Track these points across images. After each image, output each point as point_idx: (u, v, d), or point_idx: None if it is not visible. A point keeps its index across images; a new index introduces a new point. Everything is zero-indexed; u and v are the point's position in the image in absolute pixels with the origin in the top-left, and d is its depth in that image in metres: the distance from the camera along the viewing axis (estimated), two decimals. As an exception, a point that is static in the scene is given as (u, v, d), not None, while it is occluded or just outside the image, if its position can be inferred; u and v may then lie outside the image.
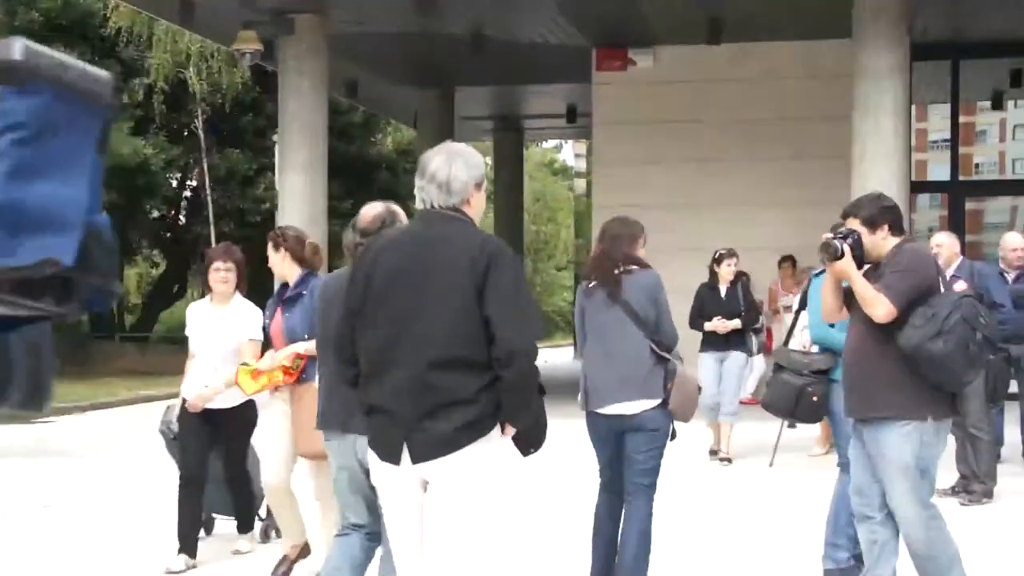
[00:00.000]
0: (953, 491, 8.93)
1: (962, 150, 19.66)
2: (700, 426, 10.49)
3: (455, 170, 4.11)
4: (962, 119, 18.92)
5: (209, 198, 24.31)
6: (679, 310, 7.17)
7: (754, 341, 11.18)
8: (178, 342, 21.34)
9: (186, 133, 26.02)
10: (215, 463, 7.20)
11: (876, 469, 5.44)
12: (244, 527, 7.49)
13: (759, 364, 13.98)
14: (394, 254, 4.14)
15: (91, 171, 1.95)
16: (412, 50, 18.48)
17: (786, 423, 9.36)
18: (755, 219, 16.34)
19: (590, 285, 6.15)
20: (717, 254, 10.69)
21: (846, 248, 5.32)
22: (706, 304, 10.65)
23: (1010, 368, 8.96)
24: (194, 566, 6.93)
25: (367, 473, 4.53)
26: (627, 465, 6.01)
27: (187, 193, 29.07)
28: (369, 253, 4.26)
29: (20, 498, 9.43)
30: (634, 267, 6.13)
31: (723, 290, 10.57)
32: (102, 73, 1.97)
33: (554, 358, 22.51)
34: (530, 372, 3.98)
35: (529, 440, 4.17)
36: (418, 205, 4.18)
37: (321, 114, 15.68)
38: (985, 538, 7.46)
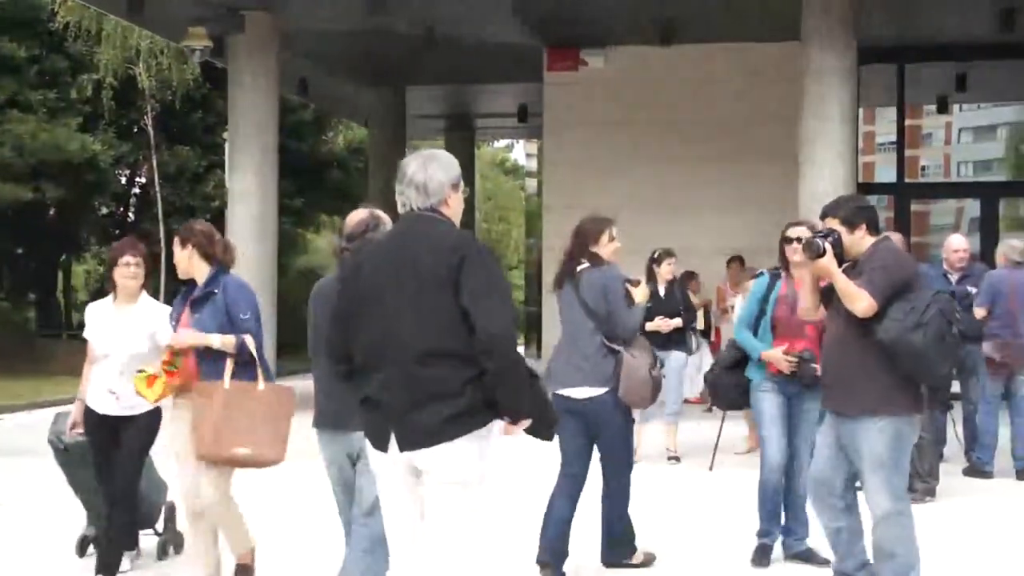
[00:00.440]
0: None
1: (908, 153, 19.88)
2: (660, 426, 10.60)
3: (431, 172, 4.35)
4: (908, 122, 19.15)
5: (158, 195, 24.14)
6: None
7: (692, 340, 11.33)
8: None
9: (135, 130, 25.82)
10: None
11: (850, 460, 5.70)
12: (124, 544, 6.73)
13: (707, 363, 14.09)
14: (378, 256, 4.36)
15: None
16: (364, 48, 18.46)
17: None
18: (703, 220, 16.46)
19: (561, 281, 6.77)
20: (656, 254, 10.69)
21: (828, 247, 5.56)
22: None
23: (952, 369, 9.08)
24: None
25: (354, 465, 5.10)
26: (599, 452, 6.68)
27: (136, 190, 28.87)
28: (356, 257, 4.53)
29: (-35, 497, 9.34)
30: (592, 264, 6.64)
31: (662, 290, 10.62)
32: None
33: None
34: (513, 358, 4.14)
35: (540, 425, 4.30)
36: (399, 209, 4.38)
37: (272, 112, 15.62)
38: (927, 536, 7.56)
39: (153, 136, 24.10)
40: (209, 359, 6.02)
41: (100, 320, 6.63)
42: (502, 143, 47.81)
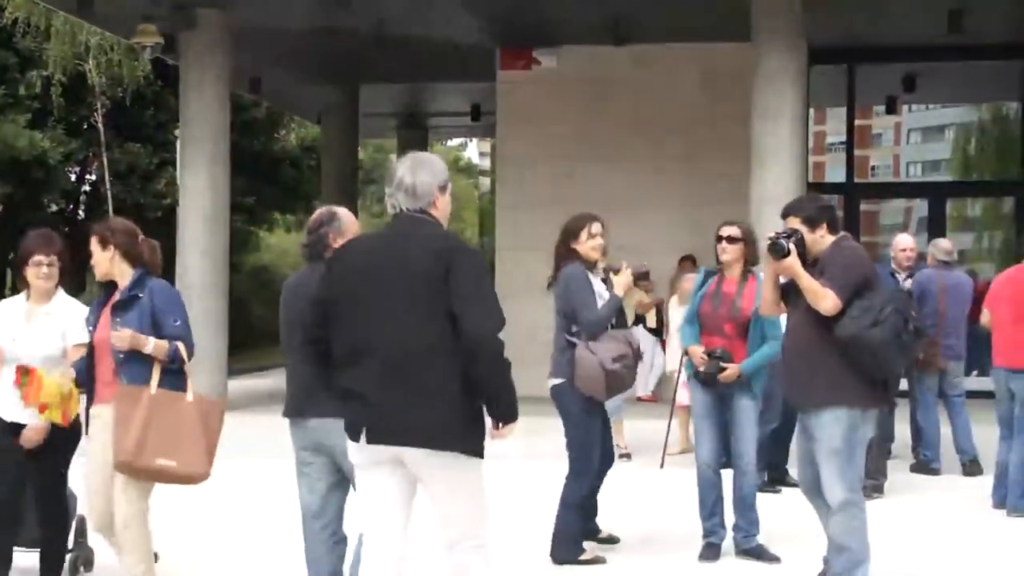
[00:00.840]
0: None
1: (858, 153, 20.06)
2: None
3: (420, 175, 4.48)
4: (858, 123, 19.31)
5: (109, 193, 23.95)
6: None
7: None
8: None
9: (85, 127, 25.59)
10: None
11: (815, 451, 5.89)
12: (52, 567, 6.19)
13: (659, 362, 14.16)
14: (367, 254, 4.51)
15: None
16: (316, 46, 18.38)
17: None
18: (655, 219, 16.52)
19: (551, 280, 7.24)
20: None
21: (791, 247, 5.75)
22: None
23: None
24: None
25: (328, 455, 5.24)
26: None
27: (86, 188, 28.61)
28: (345, 252, 4.67)
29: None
30: (569, 261, 7.06)
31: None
32: None
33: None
34: (498, 361, 4.30)
35: (501, 415, 4.40)
36: (389, 210, 4.54)
37: (223, 109, 15.53)
38: (875, 533, 7.65)
39: (103, 133, 23.90)
40: (132, 366, 5.62)
41: (10, 321, 6.04)
42: (455, 142, 47.76)
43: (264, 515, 8.39)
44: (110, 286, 5.88)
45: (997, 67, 18.81)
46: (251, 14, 15.75)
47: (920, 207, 22.30)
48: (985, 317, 8.96)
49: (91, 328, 5.84)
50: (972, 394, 10.59)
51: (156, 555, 6.10)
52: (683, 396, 10.40)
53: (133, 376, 5.59)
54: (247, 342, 25.81)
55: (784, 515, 7.53)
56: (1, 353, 5.97)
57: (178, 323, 5.72)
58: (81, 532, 6.66)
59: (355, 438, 4.40)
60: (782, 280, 6.03)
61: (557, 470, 7.12)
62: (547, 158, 16.98)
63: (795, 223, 5.91)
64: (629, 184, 16.70)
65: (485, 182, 41.63)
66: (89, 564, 6.65)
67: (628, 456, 10.74)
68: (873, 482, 8.92)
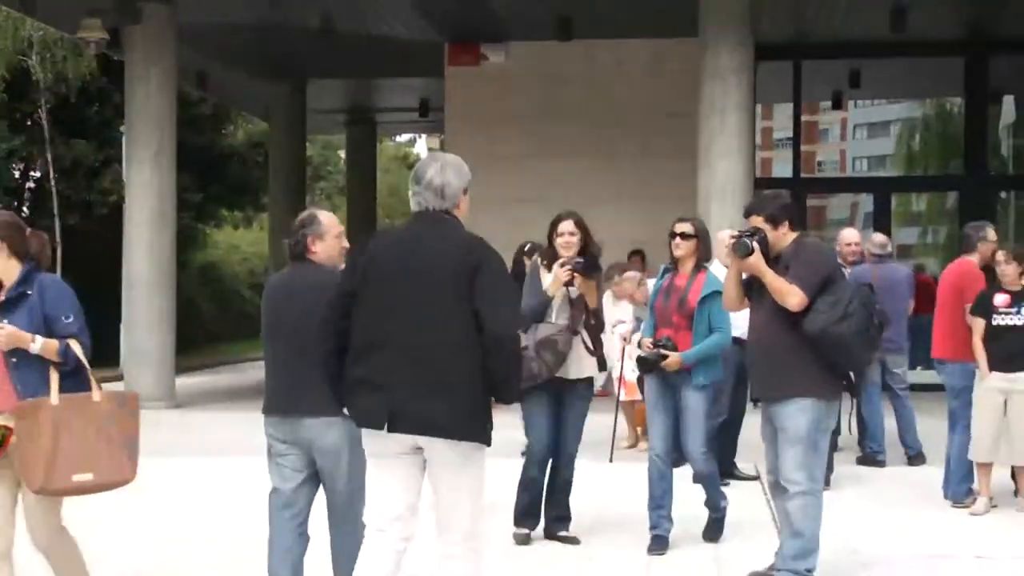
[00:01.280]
0: (792, 479, 9.19)
1: (804, 148, 20.22)
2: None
3: (448, 177, 4.70)
4: (804, 118, 19.46)
5: (54, 189, 23.69)
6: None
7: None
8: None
9: (29, 123, 25.29)
10: None
11: (780, 440, 6.03)
12: None
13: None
14: (394, 249, 4.70)
15: None
16: (263, 42, 18.31)
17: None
18: (604, 214, 16.54)
19: None
20: (527, 247, 10.02)
21: (755, 246, 5.90)
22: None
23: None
24: None
25: (306, 451, 5.27)
26: None
27: (31, 184, 28.27)
28: (369, 246, 4.79)
29: None
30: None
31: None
32: None
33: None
34: (516, 355, 4.71)
35: (507, 398, 4.73)
36: (414, 208, 4.73)
37: (169, 105, 15.43)
38: (822, 525, 7.74)
39: (48, 129, 23.64)
40: (25, 370, 5.19)
41: None
42: (404, 137, 47.68)
43: (223, 512, 8.34)
44: None
45: (940, 64, 19.03)
46: (197, 9, 15.66)
47: (866, 202, 22.50)
48: None
49: None
50: (918, 387, 10.71)
51: None
52: (623, 391, 10.50)
53: (27, 383, 5.16)
54: (195, 340, 25.63)
55: (731, 507, 7.58)
56: None
57: (71, 320, 5.28)
58: None
59: (375, 427, 4.58)
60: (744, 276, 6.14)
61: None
62: (496, 154, 16.99)
63: (758, 222, 6.04)
64: (578, 179, 16.75)
65: (434, 178, 41.52)
66: None
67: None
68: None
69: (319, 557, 5.52)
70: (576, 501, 7.53)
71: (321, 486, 5.41)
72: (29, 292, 5.26)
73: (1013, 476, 8.46)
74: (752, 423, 9.52)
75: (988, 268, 8.68)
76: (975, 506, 8.24)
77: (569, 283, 7.05)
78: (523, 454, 7.42)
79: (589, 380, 7.30)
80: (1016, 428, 8.07)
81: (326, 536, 5.46)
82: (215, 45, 18.30)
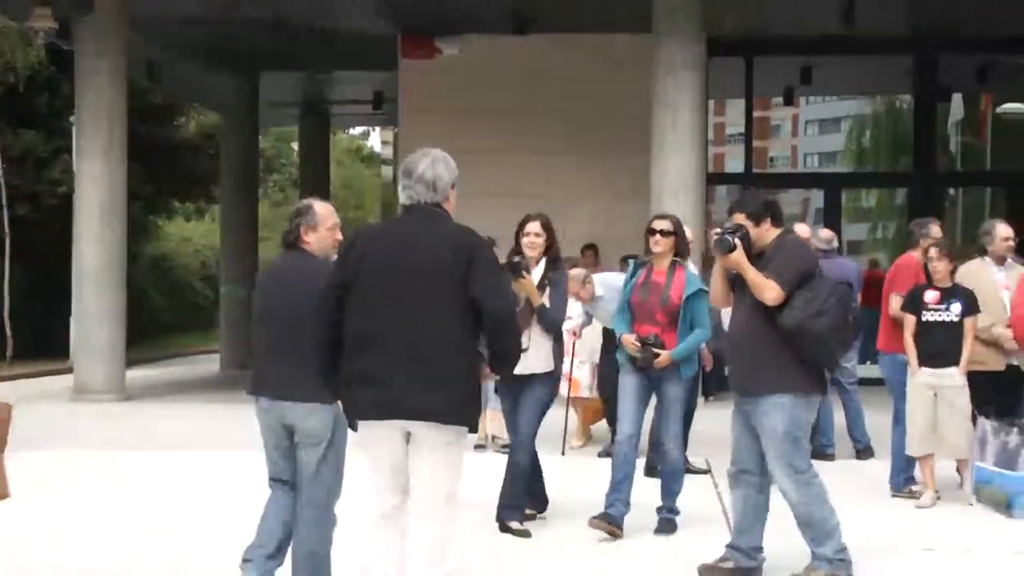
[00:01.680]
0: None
1: (756, 144, 20.34)
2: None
3: (439, 171, 4.89)
4: (756, 114, 19.58)
5: (2, 180, 23.43)
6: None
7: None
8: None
9: (-23, 113, 25.01)
10: None
11: (760, 437, 6.12)
12: None
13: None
14: (386, 242, 4.84)
15: None
16: (216, 33, 18.18)
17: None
18: (559, 208, 16.53)
19: None
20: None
21: (737, 242, 6.03)
22: None
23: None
24: None
25: (290, 434, 5.41)
26: None
27: (-22, 175, 27.94)
28: (361, 240, 4.95)
29: None
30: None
31: None
32: None
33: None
34: (517, 335, 5.04)
35: (505, 370, 5.21)
36: (405, 201, 4.88)
37: (120, 96, 15.30)
38: (772, 513, 7.82)
39: (-4, 119, 23.38)
40: None
41: None
42: (358, 130, 47.55)
43: (173, 506, 8.31)
44: None
45: (890, 61, 19.21)
46: (149, 1, 15.54)
47: (817, 197, 22.71)
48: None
49: None
50: (867, 381, 10.82)
51: None
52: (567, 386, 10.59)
53: None
54: (147, 332, 25.47)
55: (683, 501, 7.64)
56: None
57: None
58: None
59: (370, 418, 4.75)
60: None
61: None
62: (449, 147, 16.76)
63: (740, 219, 6.16)
64: (532, 174, 16.77)
65: (388, 171, 41.45)
66: None
67: (483, 447, 10.60)
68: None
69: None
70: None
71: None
72: None
73: (958, 469, 8.58)
74: (700, 417, 9.63)
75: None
76: (922, 499, 8.34)
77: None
78: (504, 447, 7.63)
79: (539, 376, 7.38)
80: (945, 423, 8.19)
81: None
82: (167, 37, 18.17)
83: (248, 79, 21.53)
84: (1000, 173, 22.39)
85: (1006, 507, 8.04)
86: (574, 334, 10.19)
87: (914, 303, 8.24)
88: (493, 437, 10.65)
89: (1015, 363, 8.47)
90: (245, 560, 5.62)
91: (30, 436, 10.14)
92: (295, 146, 34.79)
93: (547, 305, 7.40)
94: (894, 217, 31.12)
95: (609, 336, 9.50)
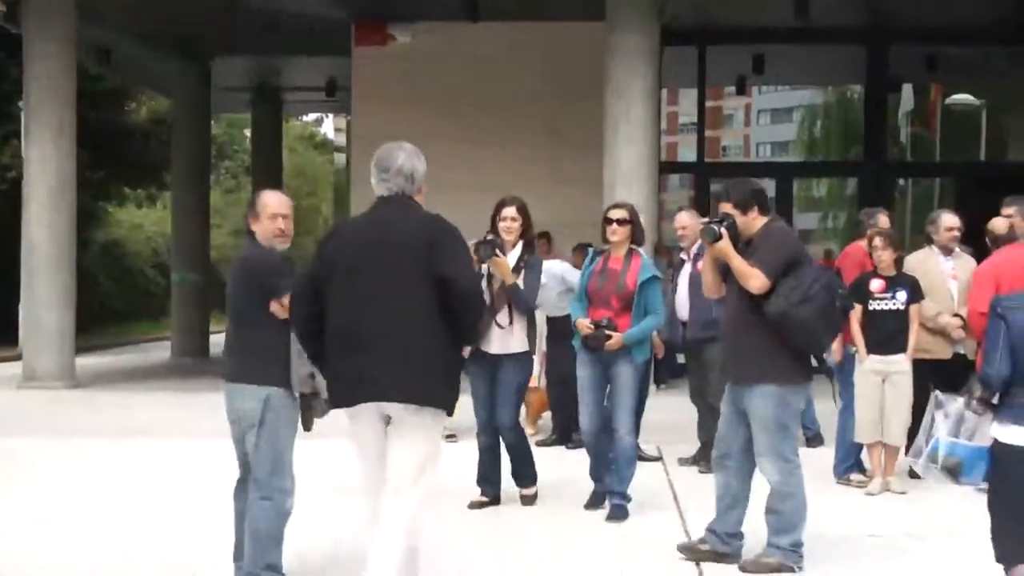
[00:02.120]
0: (694, 459, 9.32)
1: (709, 133, 20.46)
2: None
3: (415, 163, 5.11)
4: (709, 103, 19.69)
5: (-51, 165, 23.15)
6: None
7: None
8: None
9: (-78, 97, 24.66)
10: None
11: (747, 426, 6.19)
12: None
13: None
14: (364, 233, 5.03)
15: None
16: (167, 18, 18.04)
17: None
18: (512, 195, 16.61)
19: None
20: None
21: (723, 231, 6.08)
22: None
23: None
24: None
25: (237, 418, 5.52)
26: None
27: (-76, 160, 27.58)
28: (339, 231, 5.24)
29: None
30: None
31: None
32: None
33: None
34: (482, 312, 5.29)
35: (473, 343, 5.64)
36: (384, 192, 5.08)
37: (69, 81, 15.15)
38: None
39: (-58, 103, 23.08)
40: None
41: None
42: (311, 117, 47.29)
43: (121, 495, 8.26)
44: None
45: (842, 51, 19.35)
46: (99, -17, 15.40)
47: (769, 187, 22.82)
48: None
49: None
50: (817, 370, 10.90)
51: None
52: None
53: None
54: (98, 319, 25.26)
55: (635, 488, 7.68)
56: None
57: None
58: None
59: (348, 404, 4.92)
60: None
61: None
62: (402, 135, 16.72)
63: (727, 207, 6.20)
64: (487, 161, 16.78)
65: (341, 158, 41.27)
66: None
67: (453, 437, 10.61)
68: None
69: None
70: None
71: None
72: None
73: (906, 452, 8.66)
74: (652, 405, 9.68)
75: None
76: (870, 485, 8.43)
77: (479, 262, 7.25)
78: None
79: (516, 356, 7.57)
80: (891, 409, 8.28)
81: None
82: (118, 21, 18.00)
83: (200, 64, 21.36)
84: (949, 163, 22.68)
85: (958, 474, 8.15)
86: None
87: (859, 292, 8.31)
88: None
89: (961, 351, 8.56)
90: (237, 560, 5.68)
91: (-23, 424, 10.04)
92: (248, 133, 34.56)
93: (520, 287, 7.53)
94: (845, 207, 31.37)
95: (552, 323, 9.67)
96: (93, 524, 7.32)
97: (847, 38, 18.22)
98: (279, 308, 5.38)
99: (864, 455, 8.71)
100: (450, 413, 5.11)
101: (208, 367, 17.93)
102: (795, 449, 6.28)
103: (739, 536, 6.36)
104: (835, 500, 8.06)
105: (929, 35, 17.81)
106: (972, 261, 8.81)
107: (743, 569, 6.19)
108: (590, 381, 7.53)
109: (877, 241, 8.36)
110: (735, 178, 6.60)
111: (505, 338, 7.48)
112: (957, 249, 8.83)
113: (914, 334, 8.31)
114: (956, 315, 8.52)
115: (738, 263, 6.08)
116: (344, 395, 4.95)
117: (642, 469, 8.32)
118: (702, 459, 9.24)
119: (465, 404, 6.26)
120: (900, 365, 8.28)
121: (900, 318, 8.28)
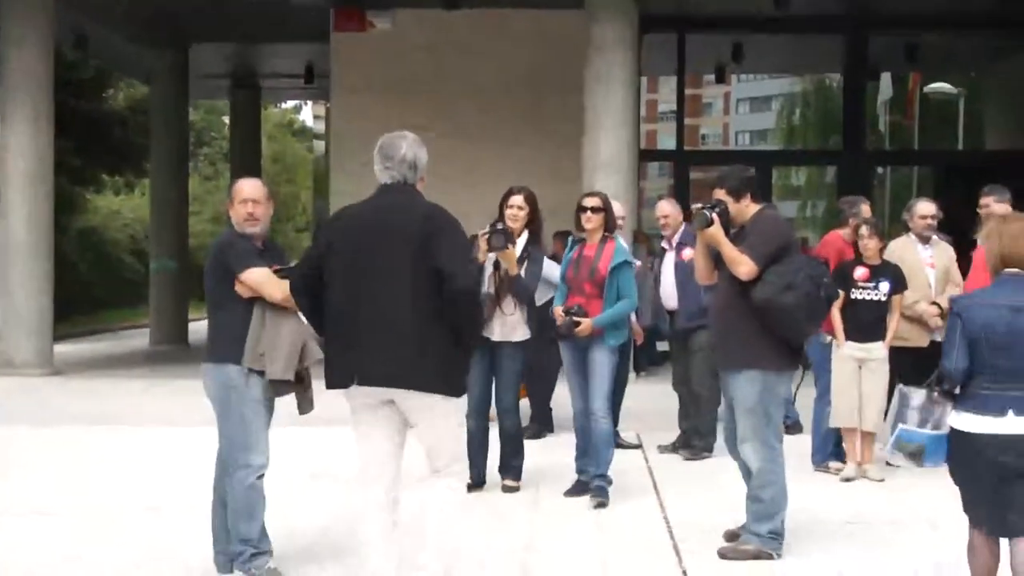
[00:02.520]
0: (674, 446, 9.35)
1: (688, 121, 20.50)
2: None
3: (417, 152, 5.22)
4: (688, 91, 19.73)
5: (-75, 152, 23.01)
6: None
7: None
8: None
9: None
10: None
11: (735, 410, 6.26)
12: None
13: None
14: (365, 219, 5.08)
15: None
16: (145, 4, 17.95)
17: None
18: (489, 186, 16.54)
19: None
20: None
21: (715, 217, 6.14)
22: None
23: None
24: None
25: (210, 401, 5.59)
26: None
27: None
28: (339, 219, 5.26)
29: None
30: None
31: None
32: None
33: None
34: (475, 309, 5.17)
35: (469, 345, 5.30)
36: (386, 180, 5.15)
37: (47, 67, 15.08)
38: (704, 487, 7.92)
39: (-82, 90, 22.93)
40: None
41: None
42: (289, 104, 47.17)
43: (99, 482, 8.25)
44: None
45: (821, 40, 19.40)
46: (77, -31, 15.32)
47: (747, 175, 22.88)
48: None
49: None
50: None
51: None
52: None
53: None
54: (77, 306, 25.16)
55: (615, 474, 7.71)
56: None
57: None
58: None
59: (346, 384, 4.96)
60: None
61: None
62: (381, 122, 16.79)
63: (720, 194, 6.26)
64: (465, 149, 16.76)
65: (320, 145, 41.18)
66: None
67: None
68: (704, 441, 9.17)
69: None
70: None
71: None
72: None
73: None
74: (632, 392, 9.71)
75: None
76: (845, 470, 8.47)
77: (490, 251, 7.39)
78: None
79: (516, 344, 7.71)
80: (868, 395, 8.33)
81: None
82: (95, 7, 17.90)
83: (178, 51, 21.26)
84: (927, 152, 22.77)
85: (920, 458, 8.25)
86: None
87: (842, 279, 8.35)
88: None
89: (938, 339, 8.59)
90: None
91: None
92: (226, 119, 34.47)
93: (522, 276, 7.63)
94: (823, 195, 31.44)
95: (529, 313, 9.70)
96: (78, 513, 7.30)
97: (826, 27, 18.26)
98: (242, 288, 5.46)
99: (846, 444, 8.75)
100: (459, 395, 5.15)
101: (186, 354, 17.90)
102: (779, 436, 6.32)
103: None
104: (813, 488, 8.09)
105: (908, 24, 17.87)
106: (950, 249, 8.87)
107: (722, 556, 6.22)
108: (574, 366, 7.65)
109: (864, 230, 8.40)
110: (733, 165, 6.62)
111: (507, 325, 7.64)
112: (935, 237, 8.87)
113: (894, 323, 8.36)
114: (933, 303, 8.57)
115: (727, 249, 6.13)
116: (338, 378, 4.99)
117: (623, 456, 8.37)
118: (683, 446, 9.29)
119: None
120: (878, 352, 8.33)
121: (881, 308, 8.33)
